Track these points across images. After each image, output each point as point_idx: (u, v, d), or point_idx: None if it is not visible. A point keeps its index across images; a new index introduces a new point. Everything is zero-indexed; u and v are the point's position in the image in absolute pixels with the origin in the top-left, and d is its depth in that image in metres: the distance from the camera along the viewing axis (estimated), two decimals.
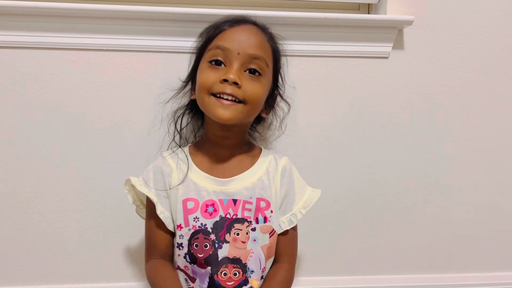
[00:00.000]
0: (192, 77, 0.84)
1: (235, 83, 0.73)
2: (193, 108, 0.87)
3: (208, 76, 0.75)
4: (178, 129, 0.87)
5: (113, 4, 0.87)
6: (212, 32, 0.79)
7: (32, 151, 0.92)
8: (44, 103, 0.91)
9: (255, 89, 0.76)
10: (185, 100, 0.89)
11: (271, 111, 0.87)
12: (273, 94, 0.85)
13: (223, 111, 0.74)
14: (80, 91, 0.92)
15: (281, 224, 0.80)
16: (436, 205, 1.04)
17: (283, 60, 0.86)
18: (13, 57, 0.89)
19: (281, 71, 0.86)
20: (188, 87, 0.86)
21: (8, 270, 0.95)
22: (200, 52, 0.81)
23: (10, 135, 0.91)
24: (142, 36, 0.90)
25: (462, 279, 1.06)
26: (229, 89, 0.73)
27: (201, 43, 0.81)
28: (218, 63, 0.76)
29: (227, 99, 0.74)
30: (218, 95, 0.74)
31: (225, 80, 0.73)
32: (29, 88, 0.90)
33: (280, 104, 0.91)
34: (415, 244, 1.05)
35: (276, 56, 0.82)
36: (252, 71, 0.76)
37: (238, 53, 0.74)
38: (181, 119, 0.87)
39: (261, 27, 0.81)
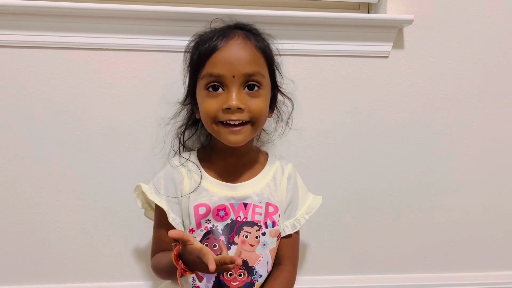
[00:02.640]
0: (190, 97, 0.82)
1: (239, 108, 0.73)
2: (197, 123, 0.87)
3: (210, 105, 0.74)
4: (182, 142, 0.87)
5: (113, 3, 0.87)
6: (203, 52, 0.76)
7: (32, 150, 0.92)
8: (44, 102, 0.91)
9: (258, 105, 0.75)
10: (184, 113, 0.88)
11: (275, 110, 0.87)
12: (274, 94, 0.84)
13: (234, 137, 0.75)
14: (80, 91, 0.92)
15: (285, 228, 0.83)
16: (436, 205, 1.04)
17: (276, 58, 0.83)
18: (12, 57, 0.89)
19: (277, 69, 0.84)
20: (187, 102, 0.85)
21: (8, 270, 0.95)
22: (194, 74, 0.79)
23: (10, 135, 0.91)
24: (142, 35, 0.90)
25: (462, 278, 1.06)
26: (234, 116, 0.73)
27: (193, 62, 0.79)
28: (215, 88, 0.75)
29: (234, 125, 0.74)
30: (225, 122, 0.74)
31: (228, 108, 0.73)
32: (28, 87, 0.90)
33: (285, 101, 0.90)
34: (415, 244, 1.05)
35: (269, 59, 0.80)
36: (251, 87, 0.75)
37: (233, 76, 0.73)
38: (183, 134, 0.87)
39: (248, 33, 0.78)
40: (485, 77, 1.01)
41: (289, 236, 0.83)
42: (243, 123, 0.75)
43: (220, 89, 0.75)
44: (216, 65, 0.74)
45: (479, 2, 0.98)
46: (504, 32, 1.00)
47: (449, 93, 1.01)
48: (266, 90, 0.78)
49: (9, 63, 0.89)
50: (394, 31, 0.95)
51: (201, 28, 0.83)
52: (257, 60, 0.76)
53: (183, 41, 0.88)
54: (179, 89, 0.88)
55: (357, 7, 1.04)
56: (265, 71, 0.78)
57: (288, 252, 0.84)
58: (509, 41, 1.01)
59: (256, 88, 0.75)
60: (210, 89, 0.75)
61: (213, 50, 0.75)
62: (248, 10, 0.87)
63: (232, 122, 0.74)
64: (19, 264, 0.95)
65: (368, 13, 1.04)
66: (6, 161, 0.92)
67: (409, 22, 0.93)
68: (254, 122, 0.76)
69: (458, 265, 1.06)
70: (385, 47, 0.96)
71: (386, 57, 0.97)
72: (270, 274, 0.81)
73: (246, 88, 0.75)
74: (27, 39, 0.88)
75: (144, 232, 0.95)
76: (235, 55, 0.74)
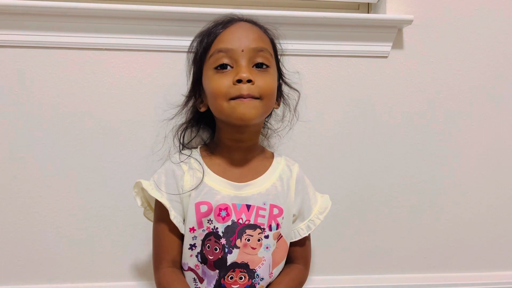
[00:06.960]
0: (195, 90, 0.81)
1: (249, 81, 0.72)
2: (199, 121, 0.86)
3: (220, 82, 0.73)
4: (182, 141, 0.86)
5: (113, 3, 0.87)
6: (207, 39, 0.76)
7: (32, 150, 0.92)
8: (44, 102, 0.91)
9: (267, 82, 0.74)
10: (185, 114, 0.87)
11: (281, 101, 0.86)
12: (280, 84, 0.84)
13: (245, 109, 0.72)
14: (80, 90, 0.92)
15: (300, 231, 0.82)
16: (436, 205, 1.04)
17: (279, 47, 0.84)
18: (12, 56, 0.89)
19: (281, 59, 0.84)
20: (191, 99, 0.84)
21: (8, 270, 0.95)
22: (200, 62, 0.78)
23: (10, 135, 0.91)
24: (142, 35, 0.90)
25: (462, 279, 1.06)
26: (245, 90, 0.71)
27: (198, 53, 0.79)
28: (224, 66, 0.74)
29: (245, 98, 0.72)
30: (235, 98, 0.72)
31: (239, 81, 0.71)
32: (29, 87, 0.90)
33: (290, 93, 0.89)
34: (414, 244, 1.05)
35: (275, 45, 0.81)
36: (260, 65, 0.75)
37: (242, 50, 0.73)
38: (184, 134, 0.86)
39: (253, 22, 0.79)
40: (484, 77, 1.01)
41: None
42: (253, 98, 0.72)
43: (229, 68, 0.74)
44: (224, 41, 0.75)
45: (479, 2, 0.98)
46: (504, 32, 1.00)
47: (448, 93, 1.01)
48: (274, 71, 0.78)
49: (9, 63, 0.90)
50: (394, 31, 0.96)
51: (201, 28, 0.83)
52: (265, 39, 0.78)
53: (184, 41, 0.88)
54: (179, 90, 0.88)
55: (357, 7, 1.05)
56: (272, 52, 0.78)
57: (300, 252, 0.83)
58: (509, 41, 1.01)
59: (264, 66, 0.75)
60: (219, 68, 0.74)
61: (219, 32, 0.76)
62: (248, 10, 0.87)
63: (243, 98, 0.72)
64: (19, 264, 0.95)
65: (368, 13, 1.04)
66: (6, 161, 0.92)
67: (409, 22, 0.93)
68: (262, 98, 0.73)
69: (458, 265, 1.06)
70: (384, 47, 0.97)
71: (386, 57, 0.98)
72: (281, 271, 0.81)
73: (254, 67, 0.74)
74: (27, 39, 0.88)
75: (144, 231, 0.95)
76: (242, 32, 0.75)
